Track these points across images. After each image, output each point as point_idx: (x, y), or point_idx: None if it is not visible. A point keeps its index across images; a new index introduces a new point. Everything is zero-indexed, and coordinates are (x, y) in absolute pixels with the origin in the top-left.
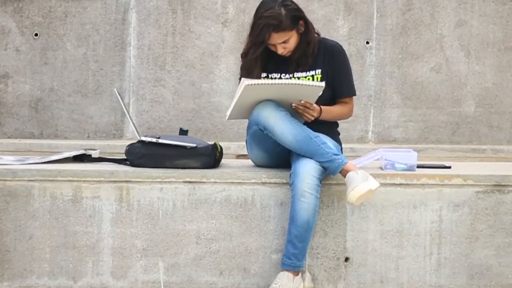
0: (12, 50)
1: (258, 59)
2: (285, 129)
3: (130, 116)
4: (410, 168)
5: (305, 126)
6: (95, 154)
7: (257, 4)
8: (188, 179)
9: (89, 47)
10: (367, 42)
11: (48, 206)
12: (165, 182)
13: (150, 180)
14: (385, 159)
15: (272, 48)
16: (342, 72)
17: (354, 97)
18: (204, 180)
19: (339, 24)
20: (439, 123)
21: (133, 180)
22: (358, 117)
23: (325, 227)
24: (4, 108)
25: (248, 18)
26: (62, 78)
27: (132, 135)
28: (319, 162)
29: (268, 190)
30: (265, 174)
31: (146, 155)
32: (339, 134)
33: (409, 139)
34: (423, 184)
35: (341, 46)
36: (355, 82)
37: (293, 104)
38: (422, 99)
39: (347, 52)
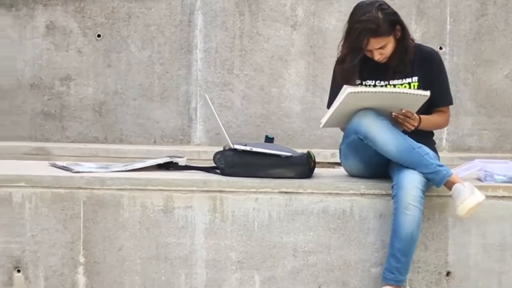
0: (74, 52)
1: (357, 66)
2: (387, 139)
3: (220, 123)
4: (510, 180)
5: (407, 136)
6: (182, 162)
7: (327, 7)
8: (284, 189)
9: (154, 49)
10: (441, 48)
11: (138, 216)
12: (260, 192)
13: (245, 190)
14: (484, 171)
15: (368, 54)
16: (439, 80)
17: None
18: (301, 191)
19: (412, 28)
20: None
21: (227, 190)
22: None
23: (426, 240)
24: (66, 111)
25: (318, 22)
26: (127, 81)
27: (199, 141)
28: (423, 173)
29: (366, 202)
30: (363, 185)
31: (239, 164)
32: (435, 143)
33: (484, 148)
34: None
35: (437, 53)
36: None
37: (394, 114)
38: (496, 107)
39: None
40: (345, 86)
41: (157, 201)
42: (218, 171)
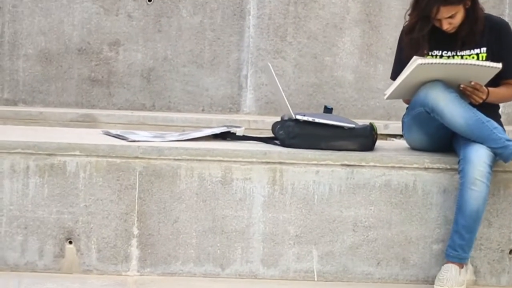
0: (123, 16)
1: (426, 36)
2: (455, 112)
3: (283, 93)
4: None
5: (476, 109)
6: (239, 132)
7: None
8: (346, 162)
9: (206, 14)
10: None
11: (196, 187)
12: (322, 164)
13: (306, 162)
14: None
15: (436, 24)
16: (508, 51)
17: None
18: (363, 164)
19: None
20: None
21: (287, 161)
22: None
23: (489, 216)
24: (114, 77)
25: None
26: (177, 47)
27: (249, 110)
28: (491, 148)
29: (430, 176)
30: (428, 159)
31: (300, 134)
32: (500, 116)
33: None
34: None
35: (507, 23)
36: None
37: (462, 86)
38: None
39: None
40: (414, 57)
41: (215, 172)
42: (277, 142)
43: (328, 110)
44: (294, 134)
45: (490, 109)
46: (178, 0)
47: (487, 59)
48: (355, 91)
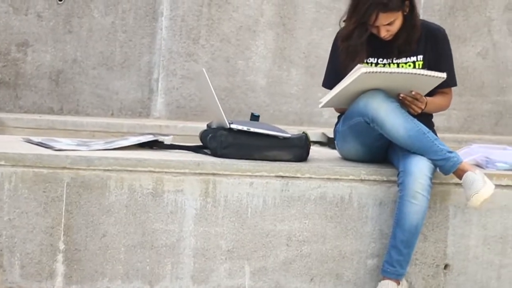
0: (33, 16)
1: (364, 44)
2: (396, 122)
3: (217, 100)
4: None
5: (416, 120)
6: (167, 140)
7: None
8: (281, 173)
9: (117, 15)
10: None
11: (125, 200)
12: (256, 176)
13: (240, 173)
14: (485, 157)
15: (373, 31)
16: (445, 60)
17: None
18: (299, 175)
19: None
20: (483, 112)
21: (221, 173)
22: None
23: (425, 230)
24: (22, 79)
25: None
26: (87, 48)
27: (159, 114)
28: (432, 160)
29: (366, 188)
30: (364, 170)
31: (234, 144)
32: (434, 125)
33: (451, 128)
34: None
35: (444, 30)
36: None
37: (402, 95)
38: (466, 85)
39: None
40: (358, 65)
41: (146, 184)
42: (207, 151)
43: (254, 117)
44: (227, 143)
45: (425, 118)
46: (90, 0)
47: (423, 67)
48: (268, 95)
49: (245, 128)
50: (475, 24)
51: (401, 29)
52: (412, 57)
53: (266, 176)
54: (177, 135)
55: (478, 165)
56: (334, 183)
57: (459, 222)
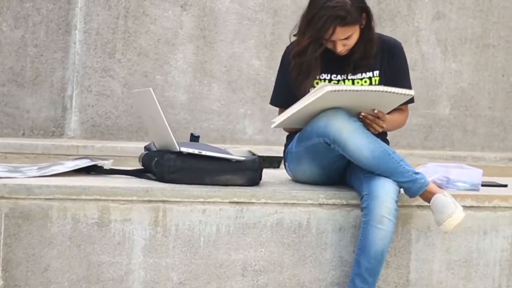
0: None
1: (318, 59)
2: (360, 143)
3: (166, 123)
4: (474, 188)
5: (380, 140)
6: (107, 165)
7: None
8: (236, 199)
9: (28, 29)
10: None
11: (69, 230)
12: (209, 202)
13: (192, 200)
14: (444, 177)
15: (329, 45)
16: (402, 75)
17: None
18: (254, 201)
19: None
20: (412, 126)
21: (171, 200)
22: None
23: (387, 256)
24: None
25: (210, 2)
26: None
27: (73, 133)
28: (397, 182)
29: (325, 213)
30: (322, 194)
31: (183, 169)
32: (389, 143)
33: None
34: (494, 207)
35: (401, 44)
36: None
37: (363, 114)
38: None
39: None
40: (323, 84)
41: (91, 213)
42: (151, 175)
43: (194, 138)
44: (175, 168)
45: (381, 137)
46: None
47: (379, 83)
48: (188, 112)
49: (196, 152)
50: (403, 34)
51: (358, 43)
52: (368, 73)
53: (219, 202)
54: (95, 156)
55: (438, 186)
56: (291, 208)
57: (422, 246)
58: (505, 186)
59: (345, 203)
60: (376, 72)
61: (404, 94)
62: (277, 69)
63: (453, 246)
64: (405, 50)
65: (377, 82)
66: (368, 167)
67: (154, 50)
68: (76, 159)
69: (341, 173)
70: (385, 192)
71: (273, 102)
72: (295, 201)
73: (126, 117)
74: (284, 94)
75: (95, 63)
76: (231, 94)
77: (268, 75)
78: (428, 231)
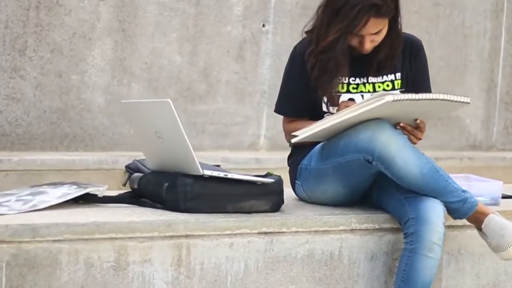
0: None
1: (347, 55)
2: (409, 159)
3: (189, 144)
4: (494, 202)
5: (426, 155)
6: (101, 192)
7: None
8: (265, 229)
9: None
10: (263, 25)
11: (81, 278)
12: (236, 234)
13: (218, 232)
14: None
15: (353, 42)
16: (423, 77)
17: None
18: (284, 230)
19: (232, 1)
20: None
21: (196, 234)
22: (250, 118)
23: None
24: None
25: None
26: None
27: None
28: (446, 202)
29: (357, 240)
30: (355, 219)
31: (203, 195)
32: None
33: None
34: None
35: (421, 42)
36: None
37: (402, 124)
38: None
39: (240, 38)
40: (383, 92)
41: (107, 255)
42: (157, 204)
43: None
44: (193, 194)
45: None
46: None
47: (401, 86)
48: (106, 116)
49: (222, 174)
50: None
51: (384, 41)
52: (390, 75)
53: (248, 233)
54: (10, 170)
55: None
56: (323, 237)
57: (452, 271)
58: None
59: (377, 227)
60: (398, 75)
61: (462, 102)
62: (201, 65)
63: (482, 270)
64: None
65: (399, 86)
66: (414, 187)
67: (69, 46)
68: (58, 184)
69: (364, 193)
70: (436, 215)
71: (281, 110)
72: (327, 228)
73: (38, 124)
74: (295, 100)
75: (3, 61)
76: (152, 94)
77: (190, 73)
78: (459, 255)
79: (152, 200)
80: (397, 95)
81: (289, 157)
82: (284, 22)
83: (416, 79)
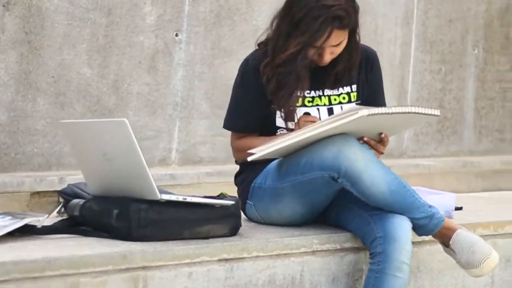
0: None
1: (307, 67)
2: (377, 176)
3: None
4: (447, 215)
5: (392, 170)
6: (41, 222)
7: None
8: (225, 256)
9: None
10: (176, 35)
11: None
12: (196, 263)
13: (176, 262)
14: None
15: (311, 54)
16: (379, 88)
17: None
18: (245, 255)
19: (145, 10)
20: None
21: (153, 264)
22: (161, 132)
23: None
24: None
25: (37, 0)
26: None
27: None
28: (413, 218)
29: (319, 262)
30: (316, 239)
31: (157, 221)
32: None
33: (216, 159)
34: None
35: (376, 52)
36: None
37: (365, 138)
38: None
39: (153, 48)
40: (356, 106)
41: None
42: (102, 233)
43: None
44: (147, 221)
45: None
46: None
47: (357, 99)
48: (9, 135)
49: (180, 198)
50: (242, 34)
51: (342, 52)
52: (346, 87)
53: (207, 261)
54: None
55: None
56: (284, 260)
57: None
58: (460, 208)
59: (339, 247)
60: (354, 87)
61: (433, 115)
62: (111, 77)
63: (441, 286)
64: (243, 52)
65: (355, 98)
66: (380, 204)
67: None
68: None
69: (322, 212)
70: (404, 233)
71: (232, 126)
72: (288, 251)
73: None
74: (247, 116)
75: None
76: (59, 110)
77: (100, 86)
78: (418, 272)
79: (96, 228)
80: (372, 109)
81: (237, 176)
82: (198, 31)
83: (370, 93)
